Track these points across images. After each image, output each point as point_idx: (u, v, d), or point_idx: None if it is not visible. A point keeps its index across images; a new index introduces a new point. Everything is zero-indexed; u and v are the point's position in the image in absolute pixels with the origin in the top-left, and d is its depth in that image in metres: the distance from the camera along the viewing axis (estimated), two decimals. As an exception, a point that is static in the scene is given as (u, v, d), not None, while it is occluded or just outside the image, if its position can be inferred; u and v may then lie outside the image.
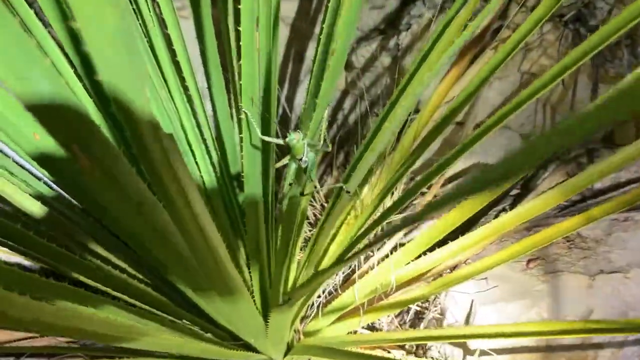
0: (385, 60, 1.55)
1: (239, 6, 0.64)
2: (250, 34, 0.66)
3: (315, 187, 0.82)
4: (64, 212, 0.91)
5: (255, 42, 0.67)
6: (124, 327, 0.65)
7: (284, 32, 1.56)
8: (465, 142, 0.81)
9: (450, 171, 1.42)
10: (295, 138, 0.72)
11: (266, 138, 0.74)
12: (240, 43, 0.66)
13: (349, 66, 1.57)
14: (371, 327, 1.18)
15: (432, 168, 0.84)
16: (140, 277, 0.96)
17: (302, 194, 0.78)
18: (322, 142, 0.76)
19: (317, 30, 1.56)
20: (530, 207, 0.96)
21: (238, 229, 1.01)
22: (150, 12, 0.82)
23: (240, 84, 0.69)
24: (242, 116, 0.72)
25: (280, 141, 0.74)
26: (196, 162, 0.95)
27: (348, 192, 0.81)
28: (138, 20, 0.88)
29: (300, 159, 0.75)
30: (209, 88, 0.89)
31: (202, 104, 0.93)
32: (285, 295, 0.95)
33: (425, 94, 1.35)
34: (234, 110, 0.91)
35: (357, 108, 1.51)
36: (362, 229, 1.02)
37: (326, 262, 1.02)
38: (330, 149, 0.75)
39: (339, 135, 1.52)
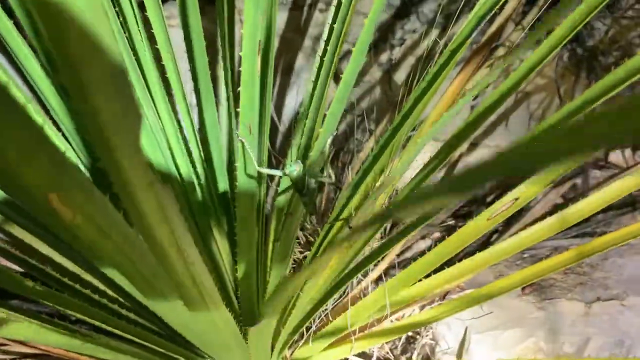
0: (376, 74, 1.51)
1: (242, 30, 0.60)
2: (252, 59, 0.62)
3: (315, 217, 0.78)
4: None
5: (257, 67, 0.63)
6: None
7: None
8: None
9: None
10: (295, 169, 0.68)
11: (263, 170, 0.69)
12: (240, 69, 0.62)
13: (338, 78, 1.54)
14: (363, 354, 1.14)
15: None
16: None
17: (302, 229, 0.74)
18: (325, 173, 0.72)
19: (306, 42, 1.53)
20: (527, 236, 0.92)
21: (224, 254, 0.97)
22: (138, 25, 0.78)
23: (237, 111, 0.64)
24: (239, 144, 0.67)
25: (279, 172, 0.70)
26: (183, 184, 0.90)
27: (350, 227, 0.76)
28: (125, 33, 0.84)
29: (300, 191, 0.70)
30: (199, 112, 0.85)
31: (191, 123, 0.88)
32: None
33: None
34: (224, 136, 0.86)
35: (346, 122, 1.48)
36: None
37: (320, 288, 0.97)
38: (333, 180, 0.71)
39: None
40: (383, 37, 1.50)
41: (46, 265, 0.84)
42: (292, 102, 1.57)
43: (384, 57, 1.48)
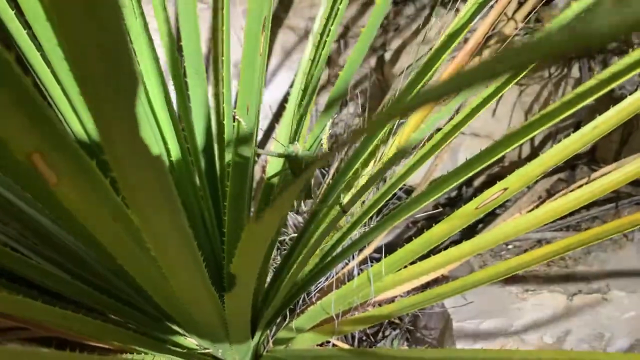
0: (371, 59, 1.50)
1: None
2: (256, 37, 0.60)
3: (313, 201, 0.77)
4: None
5: (260, 46, 0.61)
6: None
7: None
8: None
9: (431, 177, 1.39)
10: (294, 150, 0.67)
11: (262, 151, 0.68)
12: (242, 46, 0.60)
13: (332, 63, 1.52)
14: (344, 337, 1.14)
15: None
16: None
17: (298, 212, 0.73)
18: (322, 155, 0.70)
19: (301, 23, 1.51)
20: (512, 227, 0.92)
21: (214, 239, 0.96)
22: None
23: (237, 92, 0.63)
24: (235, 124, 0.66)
25: (276, 154, 0.68)
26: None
27: (345, 211, 0.75)
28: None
29: (296, 174, 0.69)
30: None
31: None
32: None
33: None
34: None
35: (341, 108, 1.46)
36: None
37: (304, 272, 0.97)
38: (329, 164, 0.70)
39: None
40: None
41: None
42: (278, 84, 1.55)
43: (377, 42, 1.47)
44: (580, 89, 0.63)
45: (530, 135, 0.71)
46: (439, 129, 0.88)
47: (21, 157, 0.30)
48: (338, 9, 0.90)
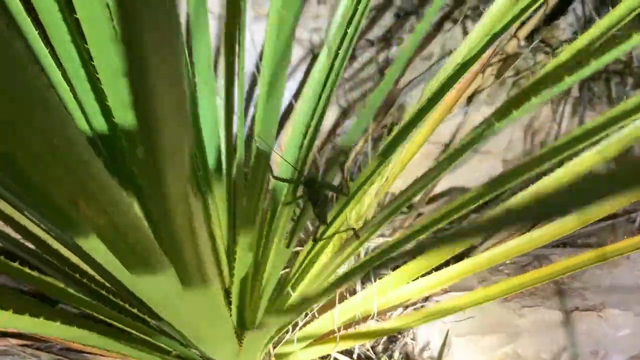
0: (373, 73, 1.51)
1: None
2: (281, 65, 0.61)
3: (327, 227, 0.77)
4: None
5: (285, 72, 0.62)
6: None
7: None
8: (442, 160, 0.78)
9: (433, 192, 1.40)
10: (311, 180, 0.68)
11: (279, 179, 0.69)
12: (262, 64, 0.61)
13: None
14: (345, 352, 1.15)
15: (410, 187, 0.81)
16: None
17: (315, 240, 0.74)
18: (340, 185, 0.72)
19: (305, 34, 1.51)
20: (514, 246, 0.94)
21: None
22: None
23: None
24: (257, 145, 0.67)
25: (293, 181, 0.69)
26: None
27: (358, 236, 0.76)
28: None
29: (314, 202, 0.70)
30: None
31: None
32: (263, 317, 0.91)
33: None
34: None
35: (341, 120, 1.48)
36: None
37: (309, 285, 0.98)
38: (348, 194, 0.71)
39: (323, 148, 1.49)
40: (383, 35, 1.50)
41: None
42: (286, 92, 1.56)
43: (381, 56, 1.48)
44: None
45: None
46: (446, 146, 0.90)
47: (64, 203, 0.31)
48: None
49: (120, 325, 0.82)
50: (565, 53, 0.71)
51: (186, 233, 0.40)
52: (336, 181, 0.98)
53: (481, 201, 0.73)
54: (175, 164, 0.29)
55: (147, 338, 0.82)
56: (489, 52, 1.01)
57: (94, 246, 0.42)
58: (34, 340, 1.00)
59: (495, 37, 0.66)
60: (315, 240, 0.74)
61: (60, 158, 0.29)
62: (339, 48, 0.80)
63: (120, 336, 0.81)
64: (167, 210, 0.34)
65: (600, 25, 0.69)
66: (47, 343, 1.03)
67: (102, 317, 0.85)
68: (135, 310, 0.80)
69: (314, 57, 1.49)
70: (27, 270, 0.81)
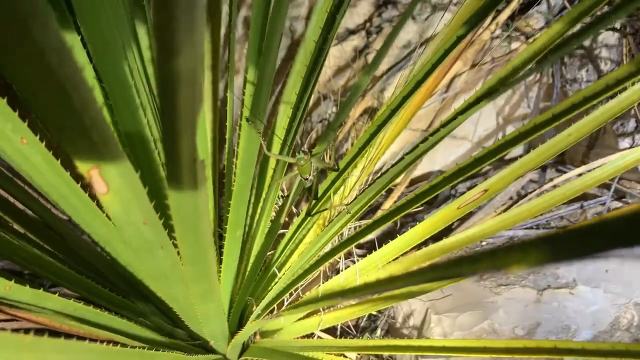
0: (351, 60, 1.54)
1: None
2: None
3: (317, 201, 0.81)
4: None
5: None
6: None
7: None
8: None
9: (411, 175, 1.44)
10: (303, 158, 0.71)
11: (274, 155, 0.72)
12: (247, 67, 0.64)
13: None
14: (328, 329, 1.18)
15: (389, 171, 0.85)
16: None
17: (308, 214, 0.77)
18: (331, 162, 0.75)
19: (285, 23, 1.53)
20: (489, 226, 0.98)
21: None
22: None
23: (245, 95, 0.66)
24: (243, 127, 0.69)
25: (289, 159, 0.73)
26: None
27: (349, 212, 0.79)
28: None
29: (306, 178, 0.74)
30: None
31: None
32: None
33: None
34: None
35: (324, 107, 1.50)
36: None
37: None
38: (338, 169, 0.75)
39: (310, 135, 1.51)
40: (362, 24, 1.53)
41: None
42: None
43: (360, 43, 1.51)
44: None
45: (514, 147, 0.76)
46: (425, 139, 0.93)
47: (83, 170, 0.34)
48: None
49: (109, 306, 0.84)
50: (538, 41, 0.75)
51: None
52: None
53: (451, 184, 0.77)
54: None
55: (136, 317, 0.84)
56: (465, 39, 1.04)
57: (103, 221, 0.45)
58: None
59: (471, 25, 0.69)
60: (309, 215, 0.78)
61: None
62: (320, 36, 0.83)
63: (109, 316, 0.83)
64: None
65: (572, 13, 0.73)
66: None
67: (92, 298, 0.88)
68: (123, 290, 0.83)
69: (294, 44, 1.51)
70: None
